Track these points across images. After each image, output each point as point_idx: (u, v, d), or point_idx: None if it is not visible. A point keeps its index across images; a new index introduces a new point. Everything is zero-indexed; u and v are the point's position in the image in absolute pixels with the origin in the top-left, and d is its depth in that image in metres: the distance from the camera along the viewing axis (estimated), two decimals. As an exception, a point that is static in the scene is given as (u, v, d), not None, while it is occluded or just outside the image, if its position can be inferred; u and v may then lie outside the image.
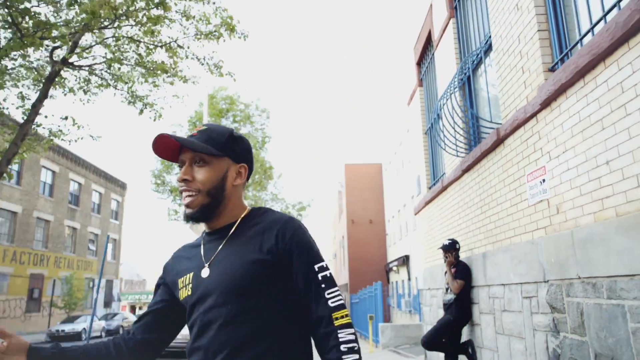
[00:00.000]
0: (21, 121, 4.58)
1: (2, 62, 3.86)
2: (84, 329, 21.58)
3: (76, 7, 3.73)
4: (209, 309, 1.18)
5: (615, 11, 2.83)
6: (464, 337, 5.23)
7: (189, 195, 1.23)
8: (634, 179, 2.53)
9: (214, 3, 4.70)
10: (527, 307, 3.75)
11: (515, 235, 4.02)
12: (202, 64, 5.94)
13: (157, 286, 1.39)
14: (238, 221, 1.28)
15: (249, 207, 1.35)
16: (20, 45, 3.68)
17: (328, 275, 1.21)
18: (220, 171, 1.26)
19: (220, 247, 1.25)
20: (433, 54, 6.87)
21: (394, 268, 24.03)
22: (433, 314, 6.66)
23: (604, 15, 2.93)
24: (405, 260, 21.21)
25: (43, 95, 4.30)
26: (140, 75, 5.17)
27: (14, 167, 25.80)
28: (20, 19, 3.67)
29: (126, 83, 5.11)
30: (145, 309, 1.40)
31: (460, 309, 5.03)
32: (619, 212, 2.67)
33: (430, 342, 5.18)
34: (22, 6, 3.67)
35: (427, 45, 7.29)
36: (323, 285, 1.18)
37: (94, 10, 3.74)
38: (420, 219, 8.09)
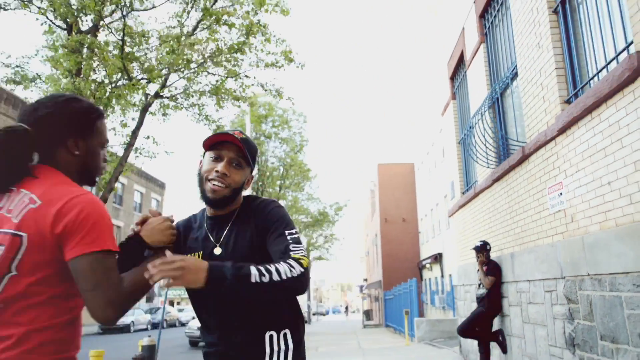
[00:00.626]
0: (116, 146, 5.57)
1: (113, 99, 4.84)
2: (132, 321, 23.08)
3: (174, 56, 4.63)
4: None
5: (614, 63, 3.54)
6: (495, 327, 5.96)
7: (219, 186, 1.51)
8: (627, 197, 3.26)
9: (274, 37, 5.57)
10: (548, 300, 4.49)
11: (539, 238, 4.75)
12: (266, 90, 6.84)
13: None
14: (239, 209, 1.61)
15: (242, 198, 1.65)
16: (130, 87, 4.65)
17: (296, 235, 1.51)
18: (245, 177, 1.59)
19: (226, 230, 1.57)
20: (465, 72, 7.59)
21: (427, 265, 24.61)
22: (467, 307, 7.39)
23: (606, 65, 3.65)
24: (438, 258, 21.79)
25: (140, 123, 5.30)
26: (212, 102, 6.12)
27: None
28: (131, 66, 4.63)
29: (200, 107, 6.05)
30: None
31: (492, 302, 5.77)
32: (617, 223, 3.39)
33: (466, 330, 5.95)
34: (132, 53, 4.64)
35: (460, 63, 8.00)
36: (290, 240, 1.48)
37: (189, 59, 4.67)
38: (453, 221, 8.80)
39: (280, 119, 17.29)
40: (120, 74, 4.53)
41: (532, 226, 4.89)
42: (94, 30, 4.97)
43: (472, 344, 6.94)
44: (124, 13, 4.83)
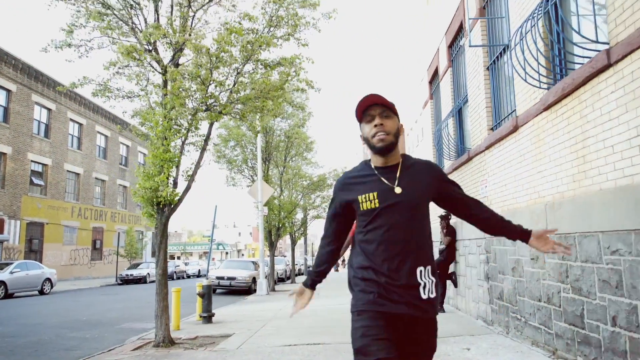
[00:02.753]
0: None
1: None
2: (148, 273, 26.03)
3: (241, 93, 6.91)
4: (398, 211, 1.91)
5: (516, 113, 6.07)
6: (450, 270, 8.74)
7: (382, 135, 1.91)
8: (514, 194, 5.87)
9: (302, 69, 7.85)
10: (477, 251, 7.21)
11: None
12: (293, 107, 9.09)
13: (336, 211, 2.10)
14: (401, 162, 2.00)
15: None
16: (210, 116, 7.04)
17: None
18: (396, 123, 1.97)
19: (398, 175, 1.95)
20: (439, 83, 10.03)
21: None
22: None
23: (510, 114, 6.19)
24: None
25: (209, 133, 7.72)
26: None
27: (75, 133, 29.71)
28: (210, 101, 6.98)
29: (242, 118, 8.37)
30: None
31: (449, 254, 8.51)
32: (509, 208, 6.02)
33: (430, 273, 8.75)
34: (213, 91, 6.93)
35: (436, 74, 10.41)
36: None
37: (249, 97, 7.01)
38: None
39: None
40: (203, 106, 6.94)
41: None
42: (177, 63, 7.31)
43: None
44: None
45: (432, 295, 1.91)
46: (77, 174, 29.71)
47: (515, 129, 5.65)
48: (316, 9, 7.73)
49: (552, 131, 4.75)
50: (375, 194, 1.90)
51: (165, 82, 7.16)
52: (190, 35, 6.89)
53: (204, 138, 7.68)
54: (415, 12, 12.70)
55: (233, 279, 17.24)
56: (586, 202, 4.10)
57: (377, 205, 1.89)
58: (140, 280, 25.79)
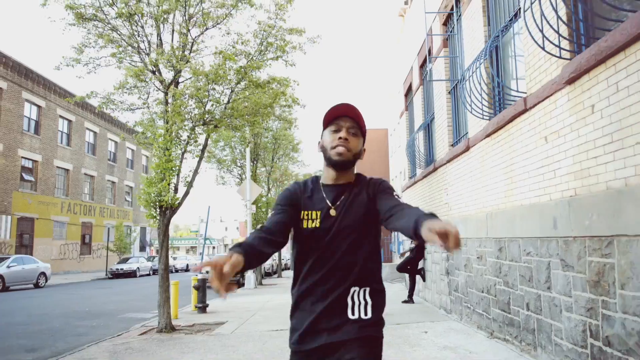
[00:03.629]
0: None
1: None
2: (138, 267, 26.90)
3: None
4: (333, 239, 1.77)
5: (479, 125, 7.21)
6: (420, 266, 9.90)
7: (343, 149, 1.79)
8: (464, 202, 7.02)
9: (289, 86, 8.91)
10: (440, 249, 8.37)
11: (441, 216, 8.59)
12: (280, 120, 10.16)
13: (283, 208, 1.83)
14: (352, 182, 1.88)
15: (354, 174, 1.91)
16: (207, 130, 8.10)
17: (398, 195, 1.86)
18: (360, 144, 1.86)
19: (342, 197, 1.83)
20: (412, 98, 11.15)
21: (396, 220, 28.82)
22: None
23: (464, 135, 7.32)
24: (405, 215, 25.94)
25: (205, 145, 8.76)
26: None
27: (64, 130, 30.30)
28: (207, 117, 8.05)
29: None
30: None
31: (418, 252, 9.66)
32: (464, 215, 7.17)
33: (401, 268, 9.88)
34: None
35: (410, 89, 11.52)
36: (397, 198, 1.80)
37: (242, 113, 8.11)
38: (405, 195, 12.62)
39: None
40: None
41: (438, 208, 8.69)
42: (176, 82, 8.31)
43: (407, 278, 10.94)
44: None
45: (365, 317, 1.76)
46: (67, 170, 30.34)
47: (467, 148, 6.78)
48: (302, 35, 8.77)
49: (492, 155, 5.89)
50: (318, 212, 1.81)
51: (166, 99, 8.16)
52: (189, 61, 7.91)
53: (201, 148, 8.71)
54: (392, 32, 13.79)
55: (222, 273, 18.22)
56: (512, 215, 5.24)
57: (318, 225, 1.79)
58: (130, 274, 26.63)
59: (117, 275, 26.39)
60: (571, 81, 3.94)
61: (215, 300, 11.41)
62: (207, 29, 8.00)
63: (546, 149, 4.46)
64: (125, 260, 28.22)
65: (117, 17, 7.45)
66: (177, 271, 35.73)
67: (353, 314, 1.75)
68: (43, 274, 19.34)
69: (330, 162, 1.83)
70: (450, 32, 7.96)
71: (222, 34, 8.40)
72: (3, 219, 24.73)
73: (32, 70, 26.65)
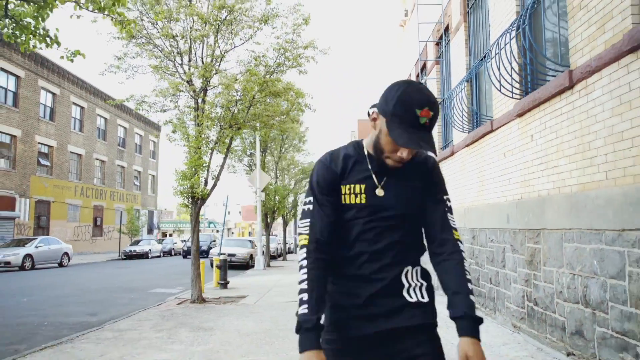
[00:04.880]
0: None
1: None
2: (150, 249, 28.60)
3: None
4: (385, 217, 1.54)
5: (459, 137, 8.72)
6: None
7: (398, 164, 1.51)
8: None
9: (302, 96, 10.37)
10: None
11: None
12: (294, 122, 11.70)
13: (328, 199, 1.55)
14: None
15: None
16: (232, 132, 9.54)
17: (449, 204, 1.64)
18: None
19: (389, 176, 1.56)
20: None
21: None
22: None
23: (449, 144, 8.83)
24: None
25: (230, 144, 10.27)
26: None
27: (77, 116, 31.75)
28: (233, 122, 9.48)
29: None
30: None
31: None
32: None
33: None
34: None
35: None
36: (447, 211, 1.62)
37: (262, 119, 9.55)
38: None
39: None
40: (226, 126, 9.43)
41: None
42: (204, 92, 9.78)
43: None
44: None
45: (423, 300, 1.58)
46: (80, 155, 31.86)
47: (452, 153, 8.29)
48: (315, 49, 10.21)
49: (469, 161, 7.40)
50: (363, 186, 1.56)
51: (197, 105, 9.63)
52: (217, 72, 9.38)
53: (226, 147, 10.22)
54: (394, 39, 15.15)
55: (233, 255, 19.88)
56: (482, 210, 6.77)
57: (363, 201, 1.55)
58: (143, 255, 28.34)
59: (130, 256, 28.09)
60: (520, 115, 5.44)
61: (234, 278, 13.03)
62: (235, 46, 9.46)
63: (504, 162, 5.98)
64: (136, 243, 29.93)
65: (160, 37, 8.89)
66: (182, 254, 37.44)
67: (410, 296, 1.56)
68: (66, 254, 21.01)
69: (380, 160, 1.55)
70: (439, 57, 9.38)
71: (245, 48, 9.88)
72: (22, 202, 26.34)
73: (47, 59, 27.99)
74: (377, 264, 1.55)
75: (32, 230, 26.64)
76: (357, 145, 1.65)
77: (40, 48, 4.93)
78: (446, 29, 8.69)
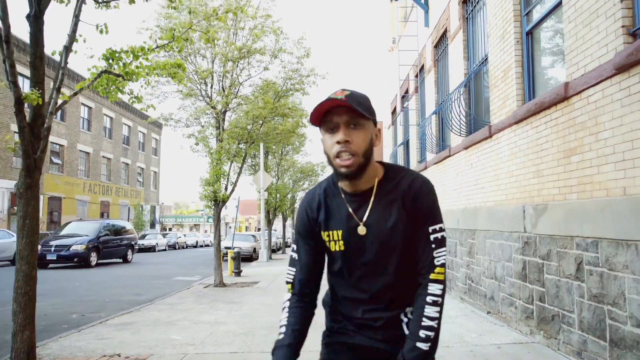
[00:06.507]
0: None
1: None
2: (157, 243, 30.88)
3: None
4: (366, 262, 1.48)
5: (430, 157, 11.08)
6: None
7: (348, 157, 1.37)
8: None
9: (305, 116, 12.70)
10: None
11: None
12: (298, 136, 13.89)
13: (306, 243, 1.56)
14: (376, 185, 1.47)
15: (379, 165, 1.51)
16: (248, 147, 11.88)
17: (440, 235, 1.45)
18: (369, 134, 1.42)
19: (369, 207, 1.46)
20: (396, 118, 14.93)
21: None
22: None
23: (440, 150, 11.21)
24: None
25: (246, 155, 12.56)
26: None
27: (85, 116, 33.82)
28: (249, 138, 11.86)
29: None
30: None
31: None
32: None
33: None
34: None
35: (395, 110, 15.27)
36: (433, 245, 1.45)
37: (272, 137, 11.81)
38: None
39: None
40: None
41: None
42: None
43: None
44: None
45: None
46: (88, 153, 34.02)
47: (425, 167, 10.64)
48: (316, 75, 12.51)
49: (437, 176, 9.75)
50: (340, 232, 1.49)
51: (218, 124, 11.90)
52: (236, 96, 11.67)
53: (242, 158, 12.54)
54: (384, 59, 17.44)
55: (239, 248, 22.25)
56: (452, 212, 9.12)
57: (342, 248, 1.49)
58: (150, 249, 30.64)
59: (138, 249, 30.34)
60: (465, 148, 7.78)
61: (246, 268, 15.35)
62: (250, 77, 11.76)
63: (457, 180, 8.33)
64: (143, 237, 32.20)
65: (193, 72, 11.16)
66: (187, 247, 39.77)
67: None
68: (84, 247, 23.25)
69: (339, 176, 1.44)
70: (416, 88, 11.69)
71: (259, 77, 12.19)
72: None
73: (55, 61, 30.04)
74: (370, 312, 1.51)
75: (45, 226, 28.83)
76: (333, 182, 1.56)
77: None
78: (421, 68, 11.01)
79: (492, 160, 6.62)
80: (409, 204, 1.46)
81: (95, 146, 34.90)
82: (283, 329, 1.52)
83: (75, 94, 5.42)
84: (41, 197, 29.11)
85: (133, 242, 20.75)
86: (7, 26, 4.15)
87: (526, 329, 5.48)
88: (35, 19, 4.40)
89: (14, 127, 26.92)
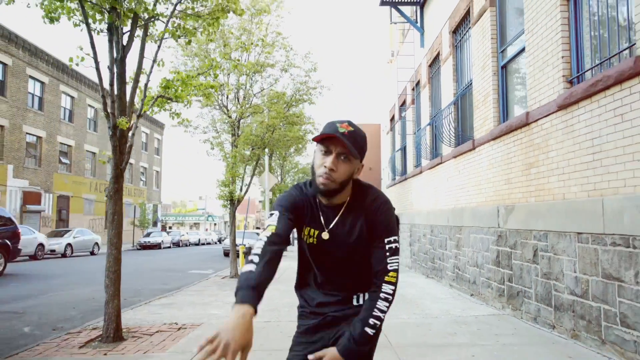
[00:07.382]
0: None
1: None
2: (162, 240, 32.18)
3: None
4: (331, 261, 1.83)
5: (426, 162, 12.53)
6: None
7: (327, 181, 1.65)
8: (424, 204, 12.39)
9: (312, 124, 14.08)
10: (408, 230, 13.75)
11: (405, 210, 13.89)
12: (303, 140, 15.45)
13: (289, 216, 1.73)
14: (347, 202, 1.78)
15: (354, 183, 1.79)
16: (261, 152, 13.26)
17: (394, 245, 1.73)
18: (353, 168, 1.70)
19: (337, 218, 1.77)
20: (394, 125, 16.35)
21: (386, 204, 34.40)
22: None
23: (431, 157, 12.66)
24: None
25: (258, 160, 14.03)
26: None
27: (92, 117, 35.01)
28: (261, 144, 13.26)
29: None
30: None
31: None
32: (424, 209, 12.53)
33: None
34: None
35: (393, 117, 16.68)
36: (388, 254, 1.72)
37: (283, 144, 13.17)
38: (389, 191, 17.89)
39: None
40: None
41: (406, 207, 14.00)
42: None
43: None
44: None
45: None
46: (94, 153, 35.27)
47: (420, 172, 12.06)
48: (322, 87, 13.92)
49: (430, 180, 11.17)
50: (316, 231, 1.81)
51: (234, 131, 13.28)
52: (250, 106, 13.06)
53: (255, 161, 13.94)
54: (384, 70, 18.85)
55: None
56: (436, 214, 10.55)
57: (314, 242, 1.81)
58: (155, 246, 31.94)
59: (144, 247, 31.67)
60: (454, 157, 9.20)
61: (253, 263, 16.72)
62: (263, 89, 13.15)
63: (448, 184, 9.75)
64: (148, 235, 33.51)
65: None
66: (190, 245, 41.08)
67: (358, 303, 1.84)
68: (96, 243, 24.60)
69: (314, 189, 1.73)
70: (413, 100, 13.10)
71: (270, 89, 13.58)
72: (47, 197, 29.79)
73: (66, 66, 31.29)
74: (327, 295, 1.88)
75: (54, 223, 30.10)
76: (315, 190, 1.75)
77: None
78: (417, 83, 12.44)
79: (475, 169, 8.04)
80: (370, 219, 1.75)
81: (101, 146, 36.06)
82: (257, 259, 1.55)
83: (139, 116, 6.75)
84: (51, 195, 30.42)
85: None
86: (100, 77, 5.52)
87: (499, 304, 6.92)
88: (121, 62, 5.78)
89: (27, 131, 28.44)
